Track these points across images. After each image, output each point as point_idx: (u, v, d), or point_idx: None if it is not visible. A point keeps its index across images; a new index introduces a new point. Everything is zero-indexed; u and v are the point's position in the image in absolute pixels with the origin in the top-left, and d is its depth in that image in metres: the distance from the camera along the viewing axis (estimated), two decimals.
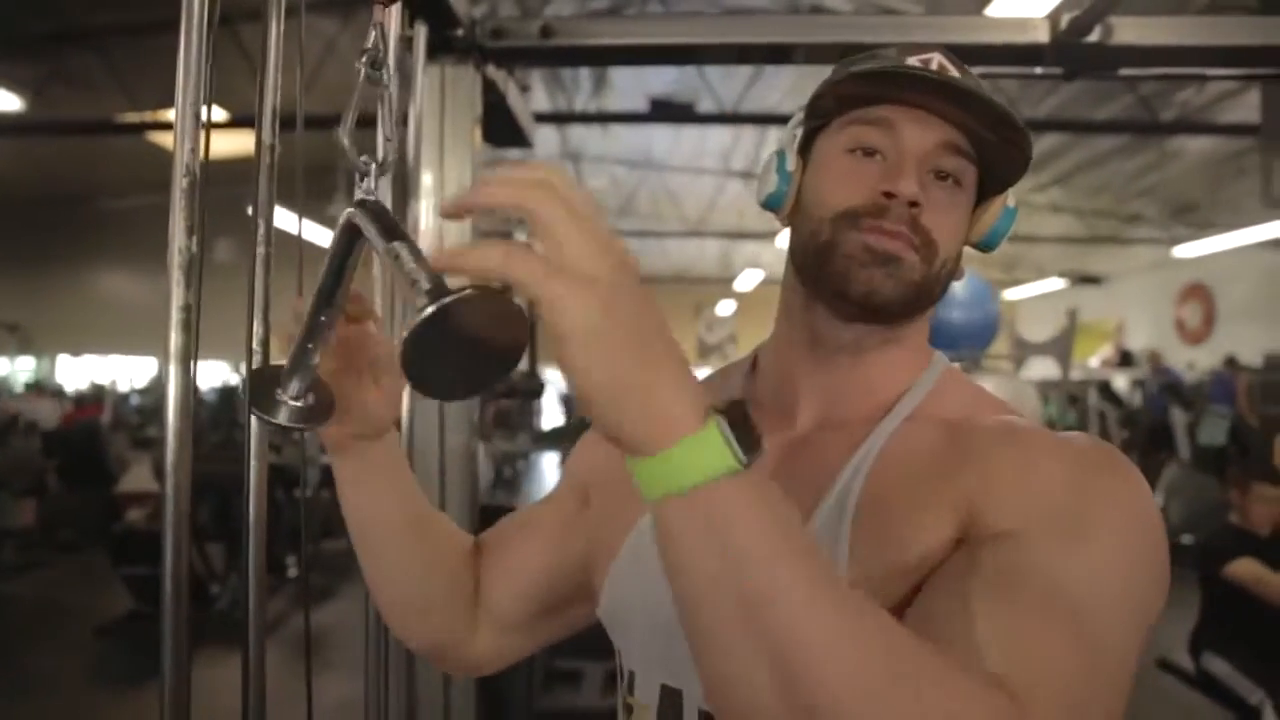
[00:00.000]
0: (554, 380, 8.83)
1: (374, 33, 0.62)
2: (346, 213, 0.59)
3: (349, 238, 0.60)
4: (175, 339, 0.66)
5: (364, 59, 0.61)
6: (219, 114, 3.84)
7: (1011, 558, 0.57)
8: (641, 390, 0.45)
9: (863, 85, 0.70)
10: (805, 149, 0.76)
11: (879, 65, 0.69)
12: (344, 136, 0.58)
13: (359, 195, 0.60)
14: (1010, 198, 0.76)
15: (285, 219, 0.84)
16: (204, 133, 0.69)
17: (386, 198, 1.15)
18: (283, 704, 0.93)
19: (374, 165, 0.60)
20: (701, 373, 0.84)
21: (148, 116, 6.62)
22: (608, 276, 0.45)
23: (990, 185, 0.75)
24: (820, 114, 0.74)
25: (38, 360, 13.57)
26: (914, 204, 0.68)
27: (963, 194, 0.72)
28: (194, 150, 0.68)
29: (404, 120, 1.29)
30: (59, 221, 11.25)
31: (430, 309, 0.45)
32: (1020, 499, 0.60)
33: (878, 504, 0.65)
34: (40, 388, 10.18)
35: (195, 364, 0.67)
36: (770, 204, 0.76)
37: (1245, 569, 3.04)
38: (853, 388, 0.74)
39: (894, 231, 0.68)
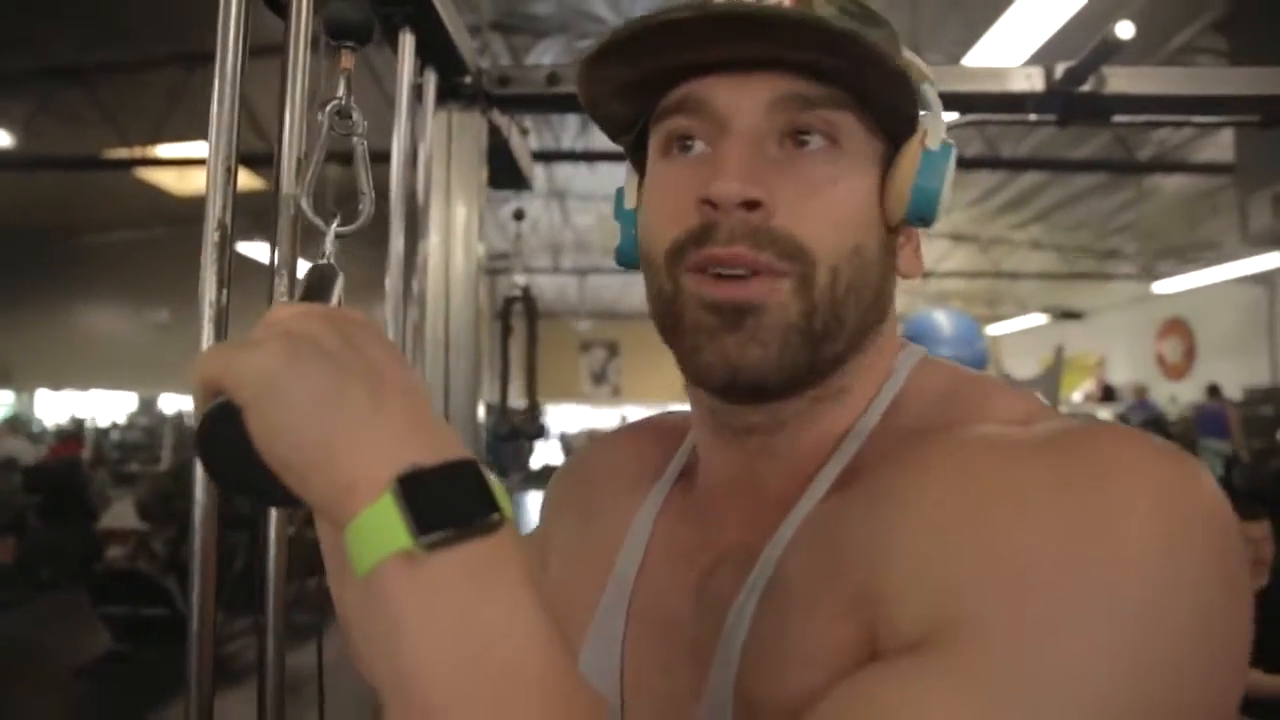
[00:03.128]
0: (557, 423, 8.74)
1: (342, 81, 0.60)
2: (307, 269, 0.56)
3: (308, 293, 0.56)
4: None
5: (328, 109, 0.58)
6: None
7: (908, 679, 0.38)
8: (323, 457, 0.36)
9: (630, 68, 0.50)
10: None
11: (616, 35, 0.48)
12: (302, 197, 0.54)
13: (322, 258, 0.57)
14: (933, 134, 0.51)
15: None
16: (233, 187, 0.70)
17: (399, 239, 1.17)
18: None
19: (333, 225, 0.57)
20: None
21: (135, 153, 6.63)
22: (277, 338, 0.38)
23: (897, 131, 0.52)
24: (620, 122, 0.56)
25: (17, 395, 13.41)
26: (750, 204, 0.46)
27: (844, 155, 0.49)
28: (225, 203, 0.68)
29: (414, 162, 1.31)
30: (42, 256, 11.18)
31: (214, 403, 0.39)
32: (928, 576, 0.40)
33: (770, 631, 0.48)
34: (17, 423, 10.04)
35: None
36: (622, 260, 0.58)
37: None
38: (776, 467, 0.54)
39: (728, 257, 0.47)
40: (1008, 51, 4.09)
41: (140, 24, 5.67)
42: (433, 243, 1.43)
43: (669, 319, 0.51)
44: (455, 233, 1.45)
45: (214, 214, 0.68)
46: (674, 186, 0.50)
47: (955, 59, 4.67)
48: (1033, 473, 0.40)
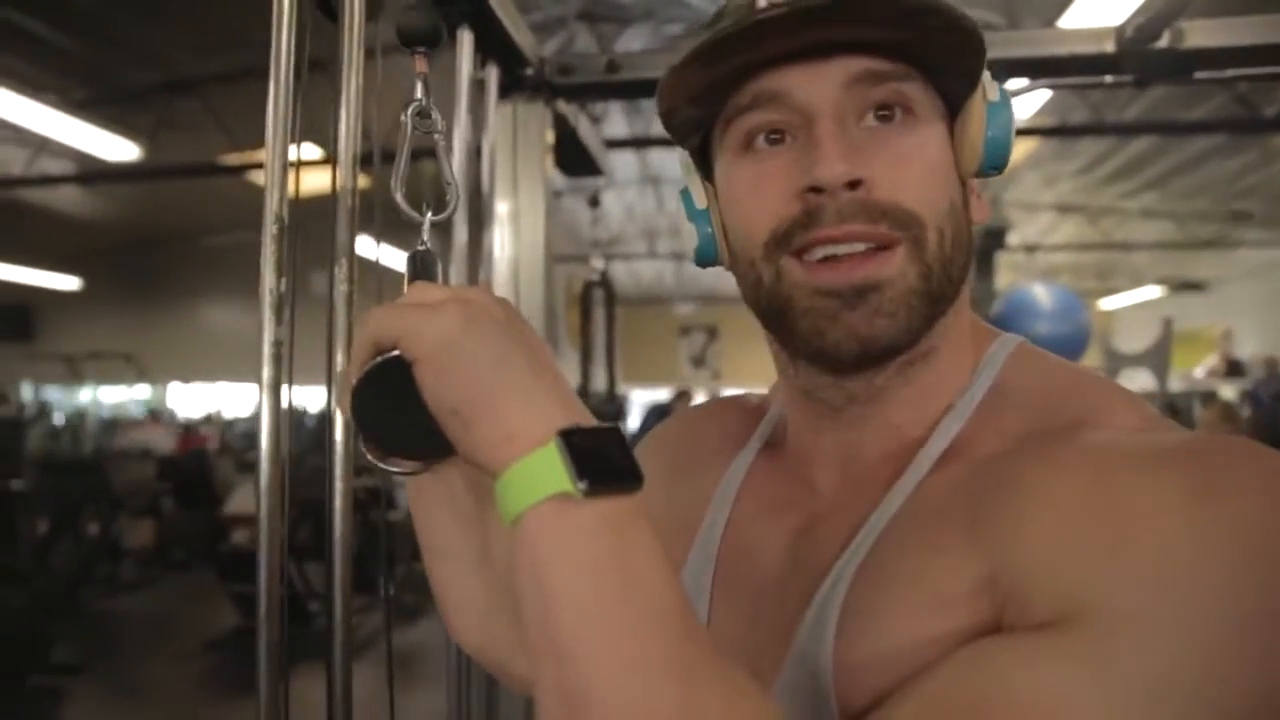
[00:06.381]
0: (638, 400, 8.84)
1: (418, 83, 0.65)
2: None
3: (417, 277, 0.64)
4: (267, 371, 0.73)
5: (409, 110, 0.63)
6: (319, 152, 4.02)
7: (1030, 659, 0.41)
8: (490, 408, 0.41)
9: (707, 70, 0.53)
10: (711, 173, 0.60)
11: (703, 39, 0.51)
12: (396, 191, 0.60)
13: (420, 244, 0.64)
14: (990, 87, 0.55)
15: (375, 248, 0.91)
16: (294, 178, 0.76)
17: (462, 230, 1.23)
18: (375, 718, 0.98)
19: (428, 216, 0.63)
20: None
21: (247, 158, 7.00)
22: (454, 303, 0.44)
23: (955, 89, 0.55)
24: (691, 126, 0.59)
25: (151, 388, 14.37)
26: (854, 183, 0.50)
27: (921, 122, 0.53)
28: (282, 197, 0.74)
29: (478, 154, 1.37)
30: (168, 258, 11.94)
31: (380, 358, 0.46)
32: (1063, 566, 0.43)
33: (875, 594, 0.50)
34: (156, 415, 10.77)
35: (290, 393, 0.73)
36: (702, 260, 0.61)
37: None
38: (872, 436, 0.58)
39: (843, 235, 0.50)
40: (1102, 16, 3.89)
41: (248, 33, 5.97)
42: (498, 233, 1.48)
43: (775, 305, 0.55)
44: (522, 222, 1.50)
45: (271, 208, 0.74)
46: (765, 179, 0.53)
47: (1053, 19, 4.46)
48: (1167, 479, 0.43)
